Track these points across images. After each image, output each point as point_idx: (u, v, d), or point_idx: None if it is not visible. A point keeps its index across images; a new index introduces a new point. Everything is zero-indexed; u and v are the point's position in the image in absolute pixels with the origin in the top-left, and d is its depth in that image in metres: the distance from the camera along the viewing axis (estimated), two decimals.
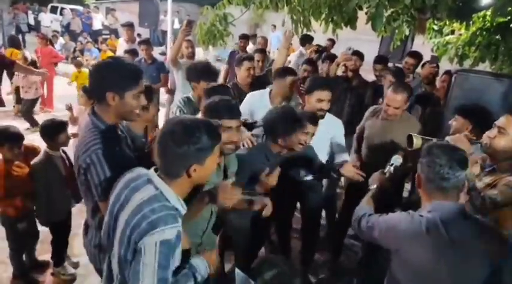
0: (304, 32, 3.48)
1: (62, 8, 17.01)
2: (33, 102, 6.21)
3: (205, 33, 3.58)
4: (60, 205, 2.77)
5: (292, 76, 2.96)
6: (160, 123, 5.61)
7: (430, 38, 5.01)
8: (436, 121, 3.59)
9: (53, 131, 2.72)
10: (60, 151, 2.79)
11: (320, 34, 3.67)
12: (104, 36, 12.55)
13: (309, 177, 2.48)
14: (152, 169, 1.36)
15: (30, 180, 2.63)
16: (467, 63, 4.53)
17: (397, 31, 3.97)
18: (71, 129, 3.17)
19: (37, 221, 2.82)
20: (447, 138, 2.44)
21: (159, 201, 1.27)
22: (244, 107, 2.81)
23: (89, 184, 1.56)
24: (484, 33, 4.33)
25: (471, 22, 4.06)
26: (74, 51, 11.44)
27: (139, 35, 9.99)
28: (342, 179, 3.19)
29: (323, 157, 2.76)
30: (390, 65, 4.57)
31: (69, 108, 3.74)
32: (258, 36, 7.00)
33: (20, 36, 13.88)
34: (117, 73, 1.57)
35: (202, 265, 1.42)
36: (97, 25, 15.12)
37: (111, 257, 1.41)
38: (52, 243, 2.90)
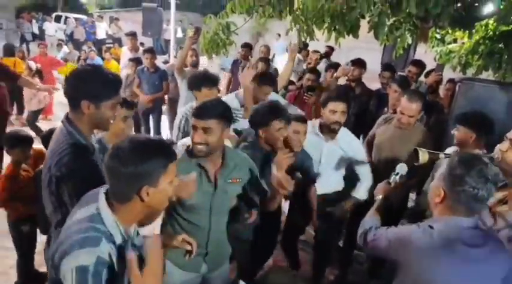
0: (308, 40, 3.49)
1: (66, 17, 17.19)
2: (36, 112, 6.23)
3: (208, 42, 3.59)
4: None
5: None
6: (164, 132, 5.69)
7: (433, 47, 5.01)
8: (440, 129, 3.58)
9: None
10: None
11: (319, 41, 3.68)
12: (107, 45, 12.63)
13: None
14: (103, 189, 1.24)
15: (34, 185, 2.63)
16: (470, 72, 4.52)
17: (399, 40, 3.97)
18: None
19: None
20: (450, 150, 2.42)
21: (91, 222, 1.14)
22: None
23: (60, 195, 1.52)
24: (487, 41, 4.32)
25: (474, 31, 4.06)
26: (78, 59, 11.51)
27: (142, 43, 10.05)
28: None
29: (333, 175, 2.71)
30: None
31: None
32: (260, 45, 7.03)
33: (25, 45, 14.04)
34: (95, 82, 1.54)
35: None
36: (101, 34, 15.23)
37: None
38: None
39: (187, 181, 1.67)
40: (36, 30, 16.51)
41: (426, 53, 5.18)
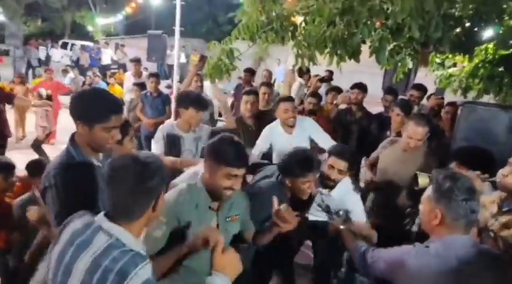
0: (310, 65, 3.56)
1: (73, 44, 17.63)
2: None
3: (212, 68, 3.65)
4: None
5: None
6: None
7: (433, 71, 5.08)
8: (442, 153, 3.56)
9: (40, 172, 2.68)
10: None
11: (321, 66, 3.74)
12: (112, 70, 12.88)
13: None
14: (101, 214, 1.20)
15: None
16: (470, 95, 4.56)
17: (400, 64, 4.03)
18: None
19: None
20: None
21: (117, 248, 1.12)
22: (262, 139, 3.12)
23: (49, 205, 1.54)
24: (487, 65, 4.39)
25: (473, 55, 4.13)
26: (83, 85, 11.69)
27: (146, 68, 10.24)
28: None
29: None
30: None
31: None
32: (262, 70, 7.15)
33: (31, 70, 14.32)
34: (89, 104, 1.54)
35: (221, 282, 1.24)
36: (106, 60, 15.56)
37: None
38: None
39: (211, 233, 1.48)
40: (42, 57, 16.90)
41: (426, 77, 5.24)
